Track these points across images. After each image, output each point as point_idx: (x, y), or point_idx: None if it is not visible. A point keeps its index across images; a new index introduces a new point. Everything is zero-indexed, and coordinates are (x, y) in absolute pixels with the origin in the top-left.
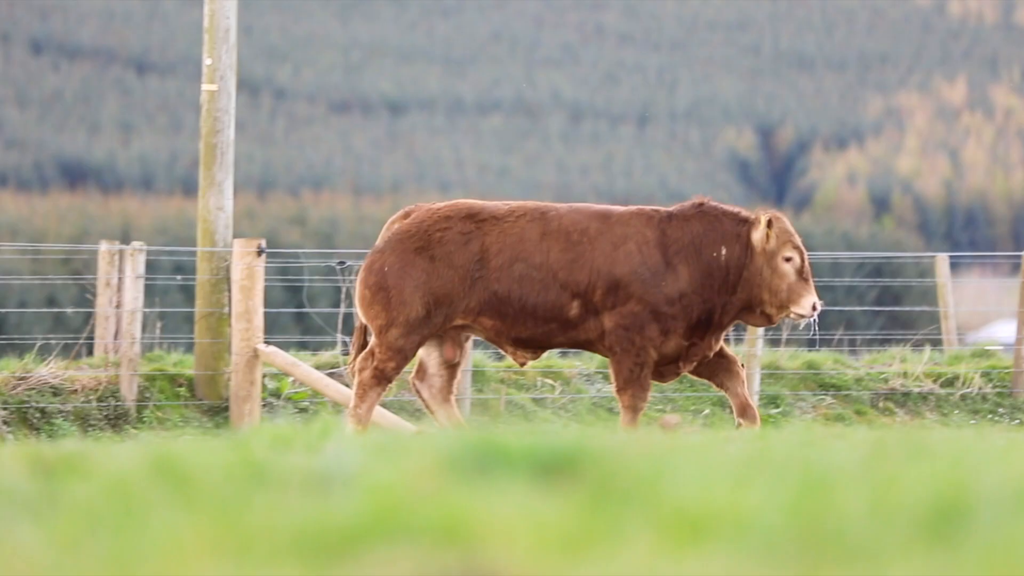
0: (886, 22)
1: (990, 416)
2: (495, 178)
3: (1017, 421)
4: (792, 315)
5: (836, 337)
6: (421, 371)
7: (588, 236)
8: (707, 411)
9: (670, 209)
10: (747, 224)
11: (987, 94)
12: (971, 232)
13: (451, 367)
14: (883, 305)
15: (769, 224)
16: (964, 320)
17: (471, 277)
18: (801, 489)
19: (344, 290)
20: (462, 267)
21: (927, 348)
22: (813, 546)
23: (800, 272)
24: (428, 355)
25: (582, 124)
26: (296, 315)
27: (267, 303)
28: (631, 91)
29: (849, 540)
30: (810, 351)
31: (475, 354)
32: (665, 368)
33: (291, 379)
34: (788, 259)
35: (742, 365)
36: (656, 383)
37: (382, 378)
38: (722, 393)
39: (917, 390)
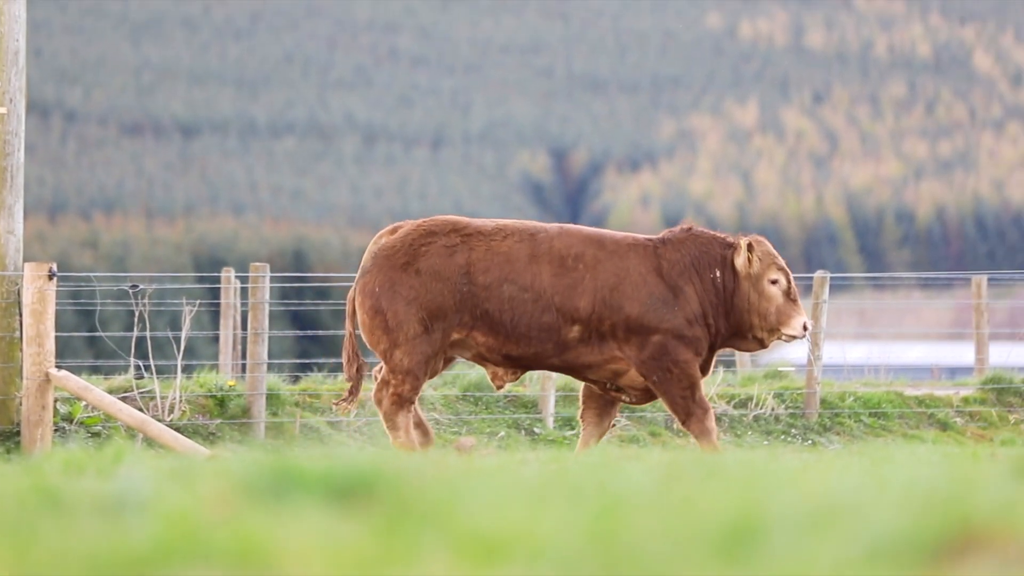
0: (678, 45)
1: (783, 437)
2: (289, 200)
3: (810, 442)
4: (784, 336)
5: None
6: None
7: (584, 263)
8: (502, 433)
9: (660, 236)
10: (731, 249)
11: (778, 116)
12: None
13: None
14: None
15: (750, 248)
16: None
17: (459, 290)
18: (597, 511)
19: (137, 313)
20: (450, 279)
21: (720, 369)
22: (609, 568)
23: (787, 293)
24: None
25: (376, 146)
26: (88, 339)
27: (59, 327)
28: (425, 113)
29: (645, 562)
30: None
31: (269, 377)
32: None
33: (84, 403)
34: (774, 281)
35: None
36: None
37: (402, 402)
38: (527, 415)
39: (715, 409)
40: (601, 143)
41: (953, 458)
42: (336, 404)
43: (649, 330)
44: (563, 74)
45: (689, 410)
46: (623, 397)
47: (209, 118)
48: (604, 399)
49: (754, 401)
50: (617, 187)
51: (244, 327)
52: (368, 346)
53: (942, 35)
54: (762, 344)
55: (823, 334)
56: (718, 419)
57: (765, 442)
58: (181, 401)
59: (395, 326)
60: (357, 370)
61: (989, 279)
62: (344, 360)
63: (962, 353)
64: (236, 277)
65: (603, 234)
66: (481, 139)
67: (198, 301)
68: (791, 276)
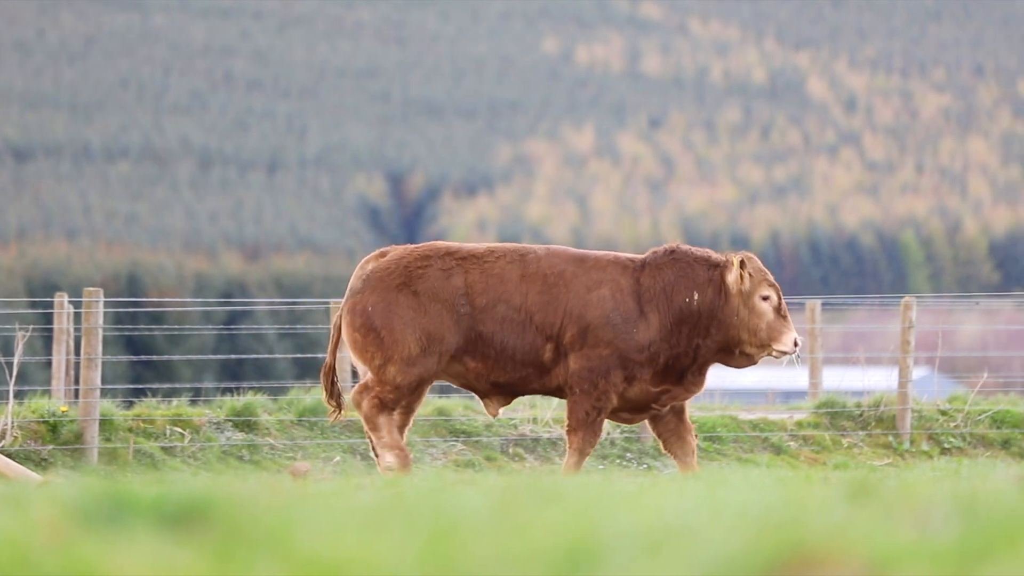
0: (515, 70)
1: (618, 461)
2: (123, 225)
3: (645, 466)
4: (774, 353)
5: None
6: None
7: (564, 279)
8: (338, 458)
9: (644, 257)
10: (719, 268)
11: (614, 141)
12: None
13: (409, 411)
14: None
15: (742, 265)
16: None
17: (457, 312)
18: (432, 536)
19: None
20: (448, 301)
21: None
22: None
23: (778, 310)
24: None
25: (211, 170)
26: None
27: None
28: (260, 137)
29: None
30: (440, 397)
31: (103, 403)
32: (634, 414)
33: None
34: (765, 298)
35: (695, 435)
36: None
37: (383, 406)
38: (363, 440)
39: (546, 435)
40: (438, 167)
41: (787, 482)
42: (330, 417)
43: (599, 343)
44: (400, 98)
45: (584, 424)
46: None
47: (43, 142)
48: (670, 421)
49: None
50: (454, 212)
51: (77, 352)
52: (359, 363)
53: (776, 61)
54: (751, 360)
55: None
56: (554, 444)
57: (600, 466)
58: (13, 427)
59: (391, 343)
60: (337, 399)
61: (823, 304)
62: (324, 391)
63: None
64: (69, 302)
65: (588, 254)
66: (317, 163)
67: (30, 326)
68: (781, 293)
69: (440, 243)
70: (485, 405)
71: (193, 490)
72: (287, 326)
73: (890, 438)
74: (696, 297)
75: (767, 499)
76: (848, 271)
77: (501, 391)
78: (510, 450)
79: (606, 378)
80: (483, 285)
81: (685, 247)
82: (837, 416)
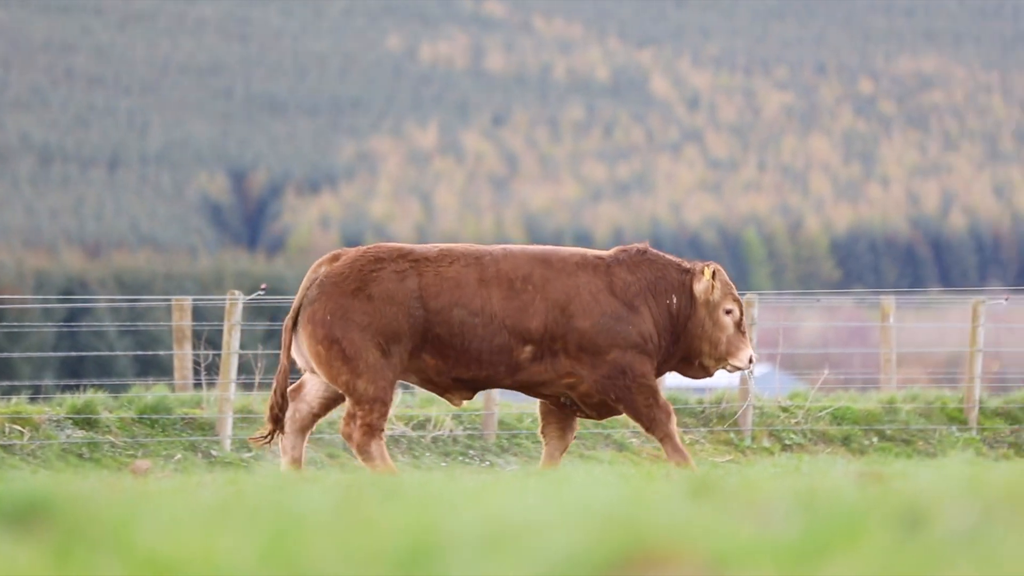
0: (358, 67)
1: (461, 458)
2: None
3: (488, 463)
4: (729, 367)
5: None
6: (299, 388)
7: (533, 283)
8: (179, 456)
9: (611, 254)
10: (689, 274)
11: (458, 139)
12: None
13: (327, 404)
14: None
15: (714, 275)
16: None
17: (412, 314)
18: (274, 533)
19: None
20: (403, 303)
21: (400, 391)
22: None
23: (739, 325)
24: (314, 386)
25: (51, 167)
26: None
27: None
28: (102, 134)
29: None
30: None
31: None
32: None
33: None
34: (728, 311)
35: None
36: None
37: (373, 431)
38: (204, 437)
39: (389, 432)
40: (280, 165)
41: (629, 479)
42: (253, 439)
43: (603, 348)
44: (242, 95)
45: (653, 417)
46: (579, 413)
47: None
48: (563, 414)
49: (432, 423)
50: (297, 209)
51: None
52: (327, 380)
53: (620, 59)
54: (707, 372)
55: None
56: (396, 441)
57: (443, 463)
58: None
59: (353, 354)
60: (281, 409)
61: None
62: (272, 395)
63: None
64: None
65: (548, 252)
66: (159, 160)
67: None
68: (743, 308)
69: (392, 244)
70: (448, 399)
71: (32, 488)
72: (128, 323)
73: (732, 434)
74: (674, 300)
75: (609, 496)
76: None
77: (464, 386)
78: (350, 450)
79: (634, 376)
80: (437, 288)
81: (654, 250)
82: (679, 413)
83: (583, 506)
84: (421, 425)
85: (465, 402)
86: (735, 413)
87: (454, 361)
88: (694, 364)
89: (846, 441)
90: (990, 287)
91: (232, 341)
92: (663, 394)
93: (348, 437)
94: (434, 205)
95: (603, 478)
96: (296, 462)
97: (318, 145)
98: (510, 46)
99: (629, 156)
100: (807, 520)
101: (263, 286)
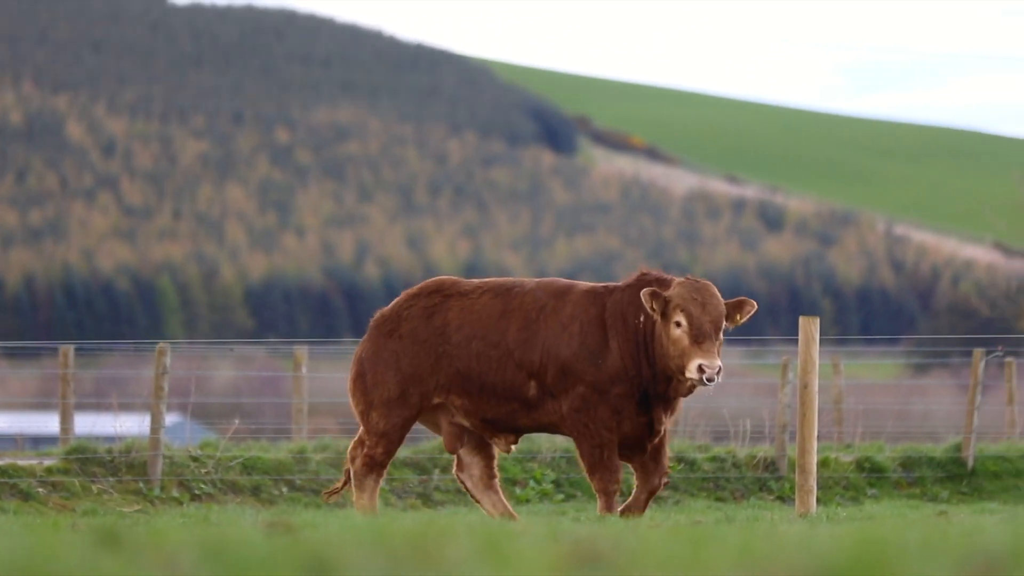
0: None
1: None
2: None
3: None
4: (686, 380)
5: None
6: (459, 462)
7: (544, 315)
8: None
9: (617, 283)
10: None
11: None
12: None
13: (484, 452)
14: None
15: (653, 295)
16: None
17: (435, 352)
18: None
19: None
20: (426, 341)
21: None
22: None
23: (692, 335)
24: (465, 453)
25: None
26: None
27: None
28: None
29: None
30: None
31: None
32: (633, 451)
33: None
34: (678, 324)
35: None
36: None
37: (373, 465)
38: None
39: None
40: None
41: (34, 528)
42: (326, 494)
43: (576, 381)
44: None
45: (594, 464)
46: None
47: None
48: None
49: None
50: None
51: None
52: (353, 411)
53: (34, 104)
54: (684, 386)
55: None
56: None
57: None
58: None
59: (372, 388)
60: (352, 461)
61: (76, 348)
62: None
63: (47, 422)
64: None
65: (572, 285)
66: None
67: None
68: (695, 317)
69: (437, 279)
70: (494, 444)
71: None
72: None
73: (141, 484)
74: (642, 319)
75: (12, 547)
76: (103, 315)
77: (494, 428)
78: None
79: (593, 416)
80: (460, 321)
81: (655, 272)
82: (88, 462)
83: None
84: None
85: (513, 447)
86: (144, 463)
87: (477, 398)
88: (675, 380)
89: (256, 491)
90: None
91: None
92: (615, 452)
93: (351, 460)
94: None
95: (6, 528)
96: (505, 515)
97: None
98: None
99: (42, 202)
100: (215, 570)
101: None
